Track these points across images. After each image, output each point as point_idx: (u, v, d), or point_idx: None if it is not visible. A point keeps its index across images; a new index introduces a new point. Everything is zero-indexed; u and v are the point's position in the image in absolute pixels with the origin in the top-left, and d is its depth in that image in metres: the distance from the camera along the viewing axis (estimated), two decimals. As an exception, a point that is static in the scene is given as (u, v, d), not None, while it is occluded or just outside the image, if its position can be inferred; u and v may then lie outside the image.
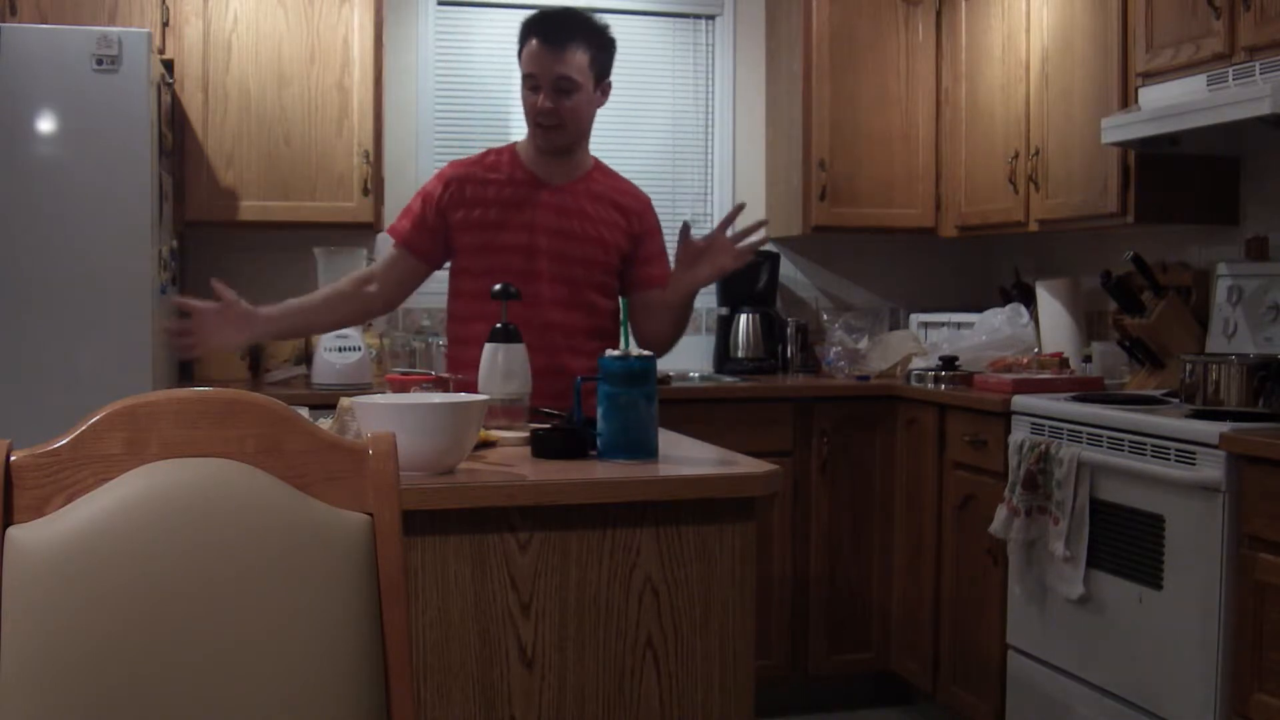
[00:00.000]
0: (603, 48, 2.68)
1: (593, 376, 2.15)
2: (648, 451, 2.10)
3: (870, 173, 4.29)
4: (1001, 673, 3.38)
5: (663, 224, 4.80)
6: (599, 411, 2.11)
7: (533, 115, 2.66)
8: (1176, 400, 2.99)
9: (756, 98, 4.61)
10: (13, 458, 1.27)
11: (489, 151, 2.80)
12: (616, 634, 1.95)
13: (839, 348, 4.29)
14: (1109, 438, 2.92)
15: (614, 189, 2.79)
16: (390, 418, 1.89)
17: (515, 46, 2.71)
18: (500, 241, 2.69)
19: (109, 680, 1.25)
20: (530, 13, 2.71)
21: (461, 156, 2.88)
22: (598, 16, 2.70)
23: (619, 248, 2.76)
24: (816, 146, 4.24)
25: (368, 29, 3.90)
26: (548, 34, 2.61)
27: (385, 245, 4.04)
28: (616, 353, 2.11)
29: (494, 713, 1.91)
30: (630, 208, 2.78)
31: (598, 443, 2.11)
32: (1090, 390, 3.42)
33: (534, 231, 2.68)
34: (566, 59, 2.61)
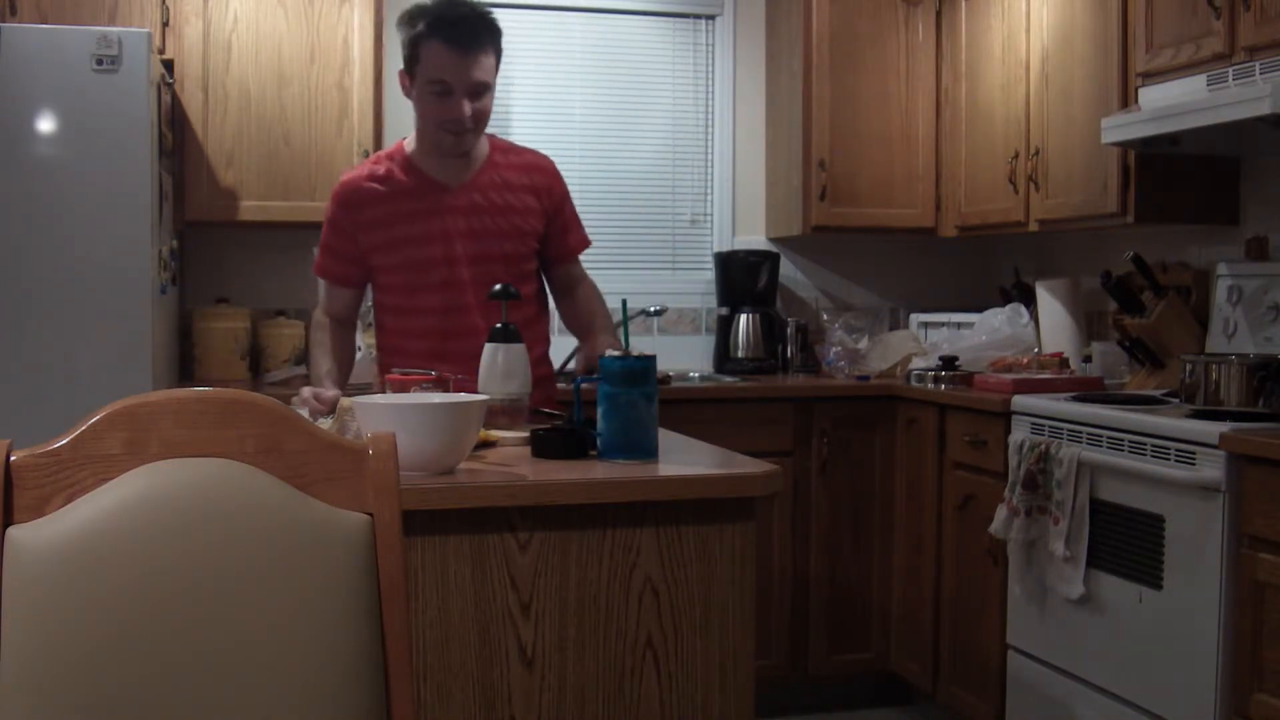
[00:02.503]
0: (499, 41, 2.57)
1: (592, 377, 2.15)
2: (647, 451, 2.10)
3: (870, 173, 4.29)
4: (1001, 673, 3.38)
5: (662, 224, 4.79)
6: (599, 411, 2.10)
7: (442, 123, 2.53)
8: (1176, 400, 2.99)
9: (756, 98, 4.61)
10: (13, 458, 1.27)
11: (378, 159, 2.69)
12: (616, 634, 1.95)
13: (839, 348, 4.29)
14: (1109, 438, 2.92)
15: (518, 167, 2.69)
16: (390, 418, 1.89)
17: (505, 46, 2.61)
18: (418, 256, 2.61)
19: (109, 680, 1.25)
20: (415, 6, 2.56)
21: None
22: (486, 9, 2.57)
23: (535, 232, 2.70)
24: (816, 146, 4.24)
25: (368, 29, 3.89)
26: (460, 38, 2.48)
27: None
28: (616, 353, 2.11)
29: (494, 713, 1.91)
30: (539, 185, 2.70)
31: (598, 443, 2.11)
32: (1090, 390, 3.42)
33: (449, 239, 2.60)
34: (481, 62, 2.51)
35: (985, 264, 4.67)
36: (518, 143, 2.84)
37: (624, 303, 2.43)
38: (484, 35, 2.52)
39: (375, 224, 2.63)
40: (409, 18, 2.54)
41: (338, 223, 2.66)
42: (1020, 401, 3.31)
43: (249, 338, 3.99)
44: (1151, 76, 3.23)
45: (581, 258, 2.85)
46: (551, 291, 2.84)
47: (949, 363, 3.81)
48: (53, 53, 3.24)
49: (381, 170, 2.65)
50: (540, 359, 2.74)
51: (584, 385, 2.17)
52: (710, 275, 4.56)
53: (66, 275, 3.25)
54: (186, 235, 4.03)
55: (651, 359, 2.11)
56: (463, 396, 2.09)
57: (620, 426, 2.08)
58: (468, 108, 2.52)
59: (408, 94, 2.60)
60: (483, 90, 2.54)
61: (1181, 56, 3.10)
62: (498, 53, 2.57)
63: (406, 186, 2.63)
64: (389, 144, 4.06)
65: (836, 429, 3.93)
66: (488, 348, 2.39)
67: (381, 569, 1.35)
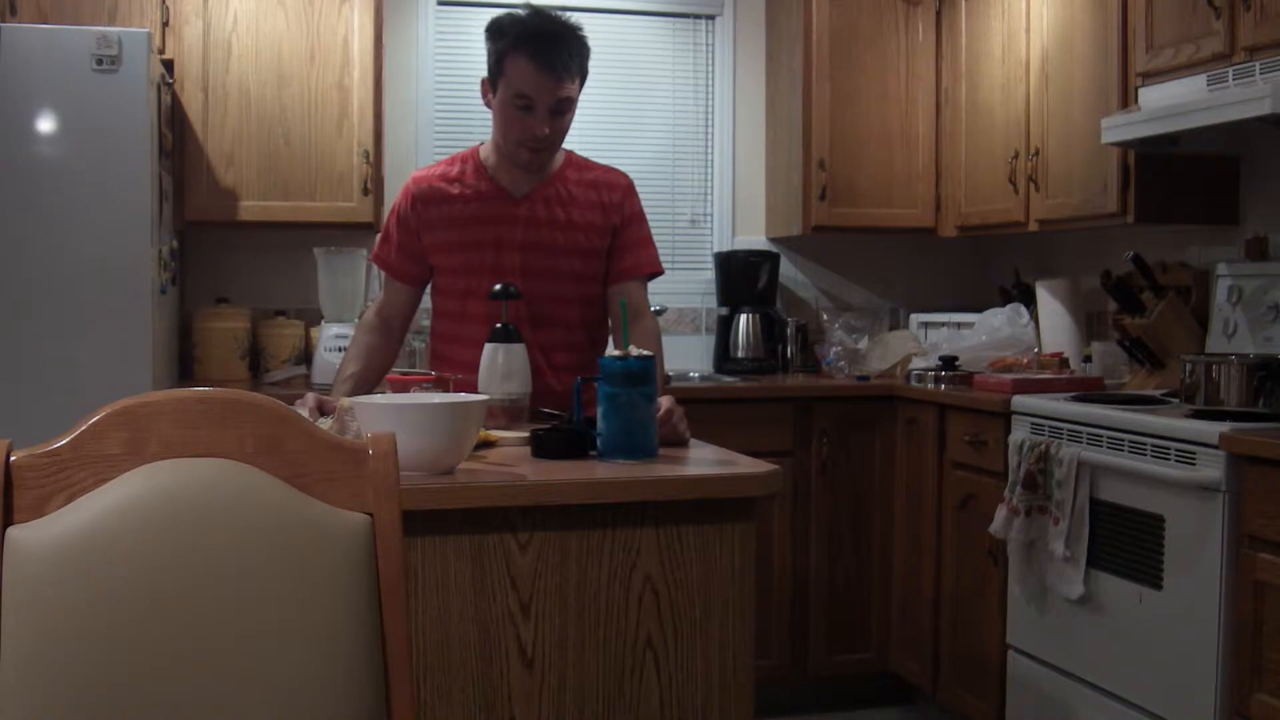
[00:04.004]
0: (587, 60, 2.54)
1: (593, 377, 2.14)
2: (648, 451, 2.09)
3: (870, 173, 4.29)
4: (1001, 673, 3.38)
5: (662, 224, 4.77)
6: (599, 412, 2.10)
7: (521, 138, 2.50)
8: (1176, 400, 2.99)
9: (756, 98, 4.61)
10: (13, 458, 1.27)
11: (453, 160, 2.67)
12: (616, 634, 1.95)
13: (839, 348, 4.29)
14: (1109, 438, 2.92)
15: (589, 183, 2.64)
16: (390, 418, 1.89)
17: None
18: (472, 262, 2.58)
19: (109, 680, 1.25)
20: (506, 16, 2.53)
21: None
22: (577, 22, 2.54)
23: (599, 250, 2.63)
24: (816, 146, 4.24)
25: (368, 29, 3.89)
26: (550, 58, 2.44)
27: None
28: (616, 353, 2.11)
29: (494, 713, 1.91)
30: (609, 202, 2.63)
31: (598, 444, 2.11)
32: (1090, 390, 3.42)
33: (500, 249, 2.57)
34: (566, 82, 2.47)
35: (985, 264, 4.67)
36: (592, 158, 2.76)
37: (622, 303, 2.40)
38: (573, 54, 2.48)
39: (439, 223, 2.61)
40: (497, 28, 2.51)
41: (404, 216, 2.65)
42: (1020, 401, 3.31)
43: (249, 338, 3.99)
44: (1151, 76, 3.23)
45: None
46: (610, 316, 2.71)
47: (949, 363, 3.81)
48: (53, 53, 3.23)
49: (454, 171, 2.64)
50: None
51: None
52: (710, 275, 4.56)
53: (66, 275, 3.25)
54: (186, 235, 4.03)
55: (651, 359, 2.10)
56: (463, 396, 2.09)
57: (621, 427, 2.07)
58: (547, 126, 2.48)
59: (488, 103, 2.56)
60: (565, 108, 2.50)
61: (1181, 56, 3.10)
62: (583, 72, 2.53)
63: (475, 190, 2.60)
64: (389, 144, 4.11)
65: (836, 429, 3.93)
66: (488, 348, 2.39)
67: (381, 569, 1.35)
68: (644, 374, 2.08)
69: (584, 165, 2.69)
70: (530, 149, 2.52)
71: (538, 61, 2.45)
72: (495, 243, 2.58)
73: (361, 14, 3.89)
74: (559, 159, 2.65)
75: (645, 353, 2.10)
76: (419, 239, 2.64)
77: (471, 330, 2.56)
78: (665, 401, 2.26)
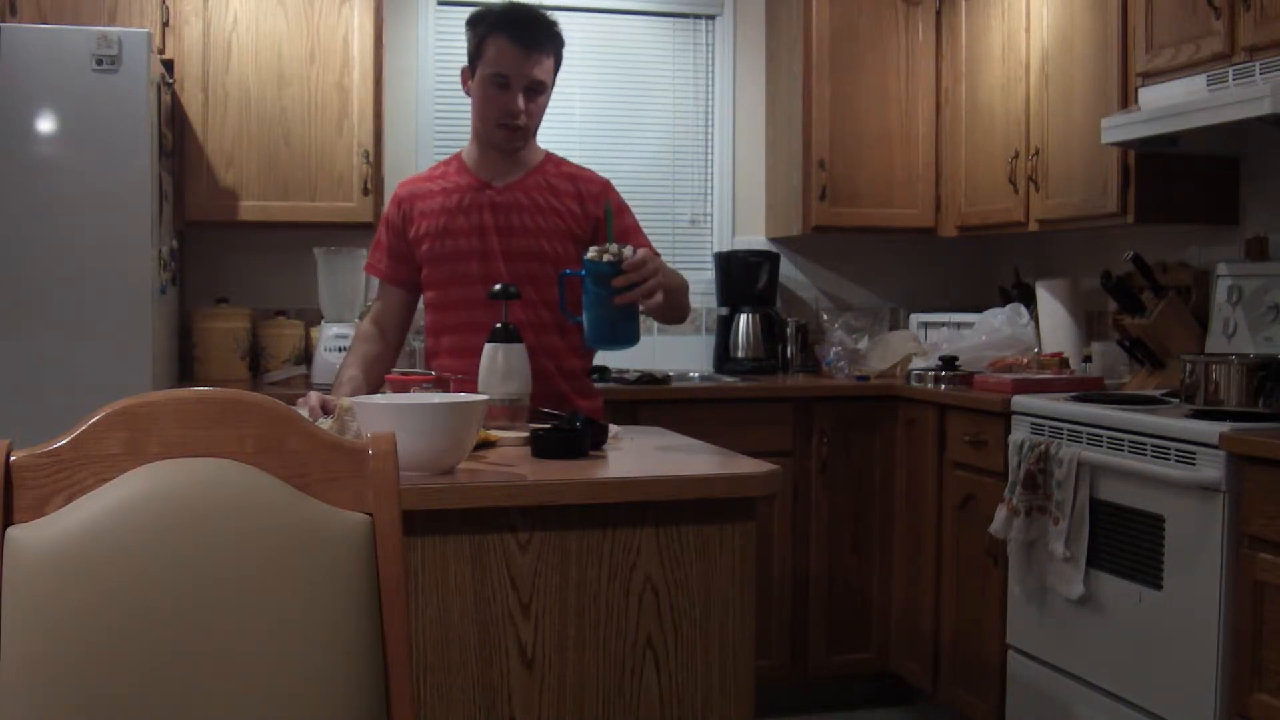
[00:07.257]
0: (561, 49, 2.67)
1: (579, 273, 2.34)
2: (629, 340, 2.33)
3: (870, 172, 4.29)
4: (1001, 673, 3.38)
5: (662, 224, 4.77)
6: (583, 305, 2.32)
7: (500, 115, 2.60)
8: (1176, 400, 2.99)
9: (756, 98, 4.61)
10: (13, 458, 1.27)
11: (436, 165, 2.81)
12: (616, 634, 1.95)
13: (839, 348, 4.29)
14: (1109, 438, 2.92)
15: (568, 176, 2.72)
16: (390, 418, 1.89)
17: None
18: (453, 248, 2.65)
19: (109, 680, 1.25)
20: (484, 7, 2.65)
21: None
22: (554, 18, 2.66)
23: (578, 236, 2.68)
24: (816, 146, 4.24)
25: (368, 29, 3.90)
26: (523, 35, 2.58)
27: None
28: (594, 252, 2.30)
29: (494, 713, 1.91)
30: (587, 193, 2.70)
31: (584, 336, 2.34)
32: (1090, 390, 3.42)
33: (484, 233, 2.64)
34: (540, 61, 2.59)
35: (985, 264, 4.67)
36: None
37: (607, 205, 2.49)
38: (546, 38, 2.61)
39: (424, 216, 2.69)
40: (478, 16, 2.64)
41: (391, 219, 2.75)
42: (1020, 401, 3.31)
43: (249, 338, 3.99)
44: (1151, 76, 3.23)
45: None
46: None
47: (949, 363, 3.81)
48: (53, 53, 3.23)
49: (438, 171, 2.76)
50: (577, 373, 2.71)
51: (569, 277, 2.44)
52: (710, 275, 4.55)
53: (66, 275, 3.25)
54: (186, 235, 4.03)
55: (615, 262, 2.28)
56: (463, 396, 2.09)
57: (597, 318, 2.30)
58: (522, 102, 2.59)
59: (467, 90, 2.67)
60: (539, 89, 2.62)
61: (1181, 56, 3.10)
62: (557, 59, 2.65)
63: (457, 184, 2.70)
64: (389, 143, 4.11)
65: (836, 429, 3.93)
66: (487, 348, 2.39)
67: (381, 569, 1.35)
68: (618, 273, 2.27)
69: (562, 162, 2.78)
70: (507, 128, 2.62)
71: (515, 40, 2.57)
72: (479, 228, 2.65)
73: (361, 14, 3.89)
74: (538, 155, 2.73)
75: (625, 253, 2.27)
76: (406, 236, 2.71)
77: (459, 316, 2.63)
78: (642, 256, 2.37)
